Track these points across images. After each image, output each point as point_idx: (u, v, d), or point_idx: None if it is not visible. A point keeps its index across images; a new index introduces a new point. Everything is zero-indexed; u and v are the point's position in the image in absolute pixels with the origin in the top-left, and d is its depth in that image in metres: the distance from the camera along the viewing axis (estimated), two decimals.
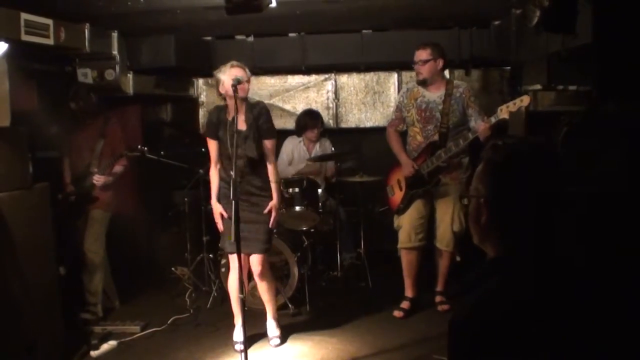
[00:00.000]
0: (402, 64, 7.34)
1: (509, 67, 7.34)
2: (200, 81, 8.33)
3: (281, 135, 7.35)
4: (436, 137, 5.67)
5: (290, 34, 7.56)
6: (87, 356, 5.28)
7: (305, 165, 7.19)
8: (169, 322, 5.93)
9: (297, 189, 6.30)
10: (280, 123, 7.90)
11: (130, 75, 6.85)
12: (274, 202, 5.21)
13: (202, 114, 8.29)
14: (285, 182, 6.25)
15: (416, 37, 6.62)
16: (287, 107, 8.11)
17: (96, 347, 5.32)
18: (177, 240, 7.12)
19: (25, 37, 5.05)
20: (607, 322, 1.70)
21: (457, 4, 6.02)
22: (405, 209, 5.84)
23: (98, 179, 5.97)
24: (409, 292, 6.03)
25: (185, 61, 6.97)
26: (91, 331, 5.71)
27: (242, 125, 5.06)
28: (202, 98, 8.33)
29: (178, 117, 8.62)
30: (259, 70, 7.67)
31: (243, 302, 4.54)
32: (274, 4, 4.98)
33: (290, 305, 6.07)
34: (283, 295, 6.01)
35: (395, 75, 8.01)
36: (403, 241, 5.90)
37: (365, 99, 8.09)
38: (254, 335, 5.46)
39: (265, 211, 5.17)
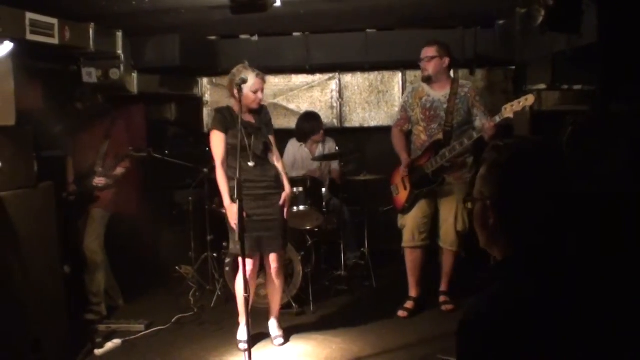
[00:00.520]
0: (407, 64, 7.35)
1: (513, 67, 7.34)
2: (205, 80, 8.33)
3: (286, 135, 7.38)
4: (440, 136, 5.67)
5: (295, 34, 7.56)
6: (91, 354, 5.28)
7: (307, 171, 7.15)
8: (173, 320, 5.93)
9: (301, 188, 6.30)
10: (284, 122, 7.92)
11: (134, 75, 6.85)
12: (287, 192, 5.26)
13: (207, 113, 8.30)
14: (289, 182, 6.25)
15: (421, 37, 6.62)
16: (291, 106, 8.11)
17: (100, 346, 5.34)
18: (181, 239, 7.13)
19: (30, 37, 5.06)
20: (614, 322, 1.71)
21: (462, 3, 6.03)
22: (410, 208, 5.84)
23: (99, 181, 5.97)
24: (413, 292, 6.03)
25: (189, 60, 6.98)
26: (95, 329, 5.73)
27: (251, 119, 5.14)
28: (207, 97, 8.34)
29: (182, 117, 8.63)
30: (263, 69, 7.65)
31: (247, 302, 4.55)
32: (278, 4, 4.99)
33: (294, 305, 6.07)
34: (287, 294, 6.01)
35: (399, 75, 8.00)
36: (407, 240, 5.90)
37: (369, 98, 8.08)
38: (258, 334, 5.46)
39: (281, 202, 5.21)
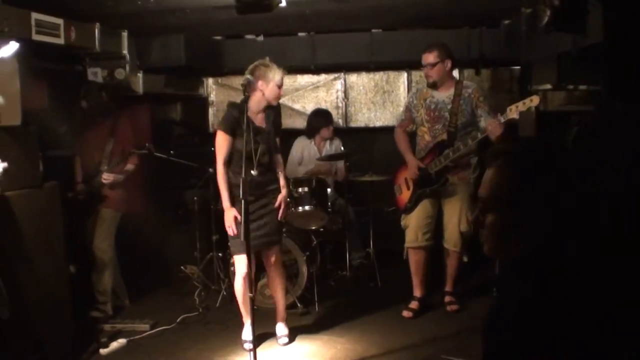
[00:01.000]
0: (412, 63, 7.34)
1: (518, 67, 7.32)
2: (210, 80, 8.34)
3: (291, 135, 7.38)
4: (444, 137, 5.66)
5: (300, 34, 7.57)
6: (96, 354, 5.30)
7: (315, 165, 7.19)
8: (178, 320, 5.94)
9: (306, 189, 6.29)
10: (289, 122, 7.93)
11: (140, 75, 6.87)
12: (283, 195, 5.26)
13: (212, 113, 8.31)
14: (294, 182, 6.26)
15: (426, 37, 6.62)
16: (297, 106, 8.11)
17: (106, 345, 5.35)
18: (186, 239, 7.13)
19: (35, 37, 5.07)
20: (628, 322, 1.71)
21: (467, 3, 6.01)
22: (412, 208, 5.83)
23: (107, 177, 5.97)
24: (417, 292, 6.02)
25: (194, 60, 6.99)
26: (101, 329, 5.74)
27: (261, 123, 5.13)
28: (212, 97, 8.35)
29: (188, 117, 8.65)
30: None
31: (252, 301, 4.55)
32: (283, 4, 4.98)
33: (299, 305, 6.07)
34: (292, 294, 6.02)
35: (404, 75, 8.00)
36: (410, 240, 5.90)
37: (374, 98, 8.09)
38: (263, 334, 5.47)
39: (276, 204, 5.20)
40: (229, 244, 5.32)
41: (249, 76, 4.98)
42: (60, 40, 5.40)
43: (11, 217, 4.38)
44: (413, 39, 7.06)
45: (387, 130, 7.05)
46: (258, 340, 4.98)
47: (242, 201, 4.43)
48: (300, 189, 6.28)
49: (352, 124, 8.13)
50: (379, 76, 8.07)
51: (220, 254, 6.63)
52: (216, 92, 8.34)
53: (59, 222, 5.06)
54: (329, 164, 7.29)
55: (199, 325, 5.91)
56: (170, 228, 7.51)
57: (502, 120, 5.28)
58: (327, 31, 7.45)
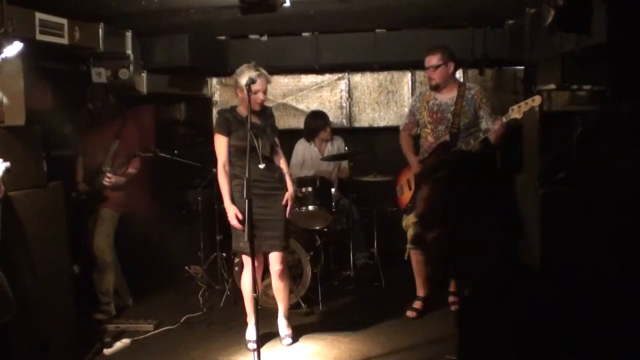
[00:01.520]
0: (416, 63, 7.31)
1: (522, 67, 7.31)
2: (214, 80, 8.34)
3: (295, 135, 7.39)
4: (447, 138, 5.66)
5: (304, 34, 7.56)
6: (100, 354, 5.31)
7: (316, 171, 7.14)
8: (181, 320, 5.95)
9: (310, 189, 6.30)
10: (293, 122, 7.94)
11: (144, 75, 6.87)
12: (290, 192, 5.25)
13: (216, 113, 8.30)
14: (298, 182, 6.26)
15: (430, 37, 6.62)
16: (301, 106, 8.10)
17: (109, 345, 5.35)
18: (190, 239, 7.14)
19: (40, 37, 5.08)
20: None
21: (471, 3, 6.01)
22: (413, 208, 5.84)
23: (109, 179, 5.97)
24: (420, 292, 6.02)
25: (199, 60, 6.98)
26: (104, 329, 5.75)
27: (256, 121, 5.13)
28: (216, 97, 8.34)
29: (192, 117, 8.65)
30: (272, 69, 7.64)
31: (256, 301, 4.55)
32: (287, 4, 4.99)
33: (302, 305, 6.07)
34: (296, 294, 6.02)
35: (408, 75, 7.99)
36: (412, 241, 5.89)
37: (378, 98, 8.07)
38: (267, 334, 5.47)
39: (283, 202, 5.20)
40: (233, 241, 5.31)
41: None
42: (64, 40, 5.41)
43: (15, 216, 4.38)
44: (417, 39, 7.06)
45: (391, 130, 7.06)
46: (262, 340, 4.98)
47: (247, 201, 4.43)
48: (304, 189, 6.29)
49: (356, 124, 8.11)
50: (383, 76, 8.06)
51: (224, 254, 6.63)
52: (220, 92, 8.34)
53: (63, 222, 5.06)
54: (331, 168, 7.29)
55: (203, 325, 5.91)
56: (174, 228, 7.51)
57: (505, 120, 5.29)
58: (331, 31, 7.44)
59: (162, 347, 5.45)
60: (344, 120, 8.08)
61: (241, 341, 5.41)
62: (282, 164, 5.34)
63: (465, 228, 1.77)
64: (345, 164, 7.15)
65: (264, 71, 5.15)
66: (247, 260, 5.13)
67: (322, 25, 7.19)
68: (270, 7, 4.81)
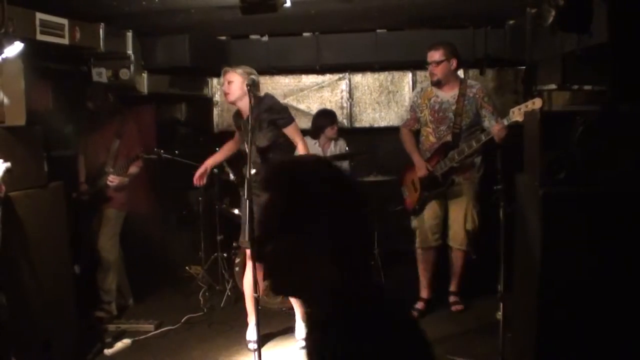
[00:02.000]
0: (417, 64, 7.31)
1: (523, 67, 7.30)
2: (215, 81, 8.33)
3: None
4: (449, 138, 5.66)
5: (305, 34, 7.55)
6: (101, 354, 5.31)
7: None
8: (182, 320, 5.95)
9: None
10: None
11: (144, 75, 6.85)
12: None
13: (217, 113, 8.29)
14: None
15: (430, 37, 6.60)
16: (302, 106, 8.10)
17: (110, 345, 5.36)
18: (191, 239, 7.14)
19: (40, 37, 5.07)
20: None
21: (472, 3, 6.00)
22: (420, 210, 5.85)
23: (112, 180, 5.97)
24: (424, 293, 6.01)
25: (199, 61, 6.98)
26: (105, 329, 5.75)
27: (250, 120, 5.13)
28: (217, 97, 8.33)
29: (192, 117, 8.65)
30: (273, 69, 7.71)
31: (257, 301, 4.55)
32: (288, 4, 4.98)
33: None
34: None
35: (409, 75, 7.98)
36: (420, 242, 5.90)
37: (379, 98, 8.07)
38: (268, 334, 5.47)
39: None
40: (241, 235, 5.30)
41: None
42: (65, 41, 5.41)
43: (15, 217, 4.38)
44: (418, 39, 7.04)
45: (392, 131, 7.04)
46: (262, 340, 4.98)
47: (247, 201, 4.44)
48: None
49: (357, 124, 8.10)
50: (383, 76, 8.05)
51: (225, 255, 6.64)
52: (221, 93, 8.31)
53: (64, 222, 5.06)
54: None
55: (204, 326, 5.91)
56: (175, 228, 7.52)
57: (506, 123, 5.29)
58: (332, 31, 7.43)
59: (162, 348, 5.45)
60: (345, 121, 8.07)
61: (242, 341, 5.41)
62: (302, 151, 5.24)
63: None
64: (346, 164, 7.15)
65: (232, 67, 5.24)
66: (249, 258, 5.13)
67: (322, 26, 7.19)
68: (271, 7, 4.80)
